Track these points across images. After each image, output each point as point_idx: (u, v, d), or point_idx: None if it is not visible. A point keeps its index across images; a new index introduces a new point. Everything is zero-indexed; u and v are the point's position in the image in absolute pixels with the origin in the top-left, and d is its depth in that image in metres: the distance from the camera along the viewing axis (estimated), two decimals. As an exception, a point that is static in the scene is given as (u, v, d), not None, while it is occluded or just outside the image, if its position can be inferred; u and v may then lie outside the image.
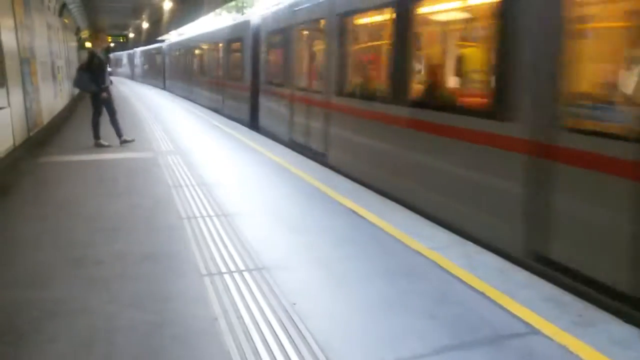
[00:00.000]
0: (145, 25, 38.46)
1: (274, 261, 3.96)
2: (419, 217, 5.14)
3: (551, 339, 2.89)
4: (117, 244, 4.37)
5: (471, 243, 4.42)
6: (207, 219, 4.99)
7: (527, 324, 3.05)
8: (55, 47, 15.59)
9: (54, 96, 14.41)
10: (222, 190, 6.15)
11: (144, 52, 38.99)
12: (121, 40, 45.85)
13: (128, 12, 31.07)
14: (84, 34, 39.26)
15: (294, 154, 8.63)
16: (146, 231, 4.69)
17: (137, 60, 42.73)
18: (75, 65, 26.17)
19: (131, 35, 46.66)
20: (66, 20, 20.16)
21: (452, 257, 4.06)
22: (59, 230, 4.77)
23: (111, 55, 53.85)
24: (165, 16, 30.15)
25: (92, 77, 8.95)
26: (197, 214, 5.15)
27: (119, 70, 55.11)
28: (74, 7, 22.46)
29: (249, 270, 3.77)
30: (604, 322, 3.09)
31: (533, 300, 3.36)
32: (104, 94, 9.09)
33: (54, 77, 14.51)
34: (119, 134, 9.34)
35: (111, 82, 9.57)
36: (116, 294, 3.44)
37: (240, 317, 3.10)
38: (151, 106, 18.18)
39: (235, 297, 3.34)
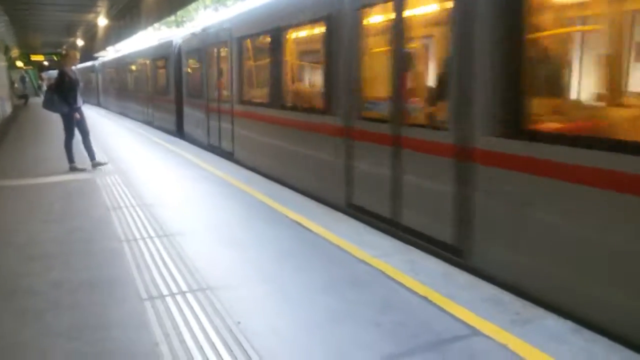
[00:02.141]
0: (80, 42, 37.15)
1: (217, 280, 3.88)
2: (364, 226, 5.19)
3: (492, 339, 2.97)
4: (52, 272, 4.17)
5: (415, 249, 4.50)
6: (148, 241, 4.85)
7: (468, 326, 3.12)
8: (-18, 67, 14.85)
9: (-19, 119, 13.70)
10: (163, 209, 6.00)
11: (121, 62, 22.85)
12: (55, 58, 44.32)
13: (61, 29, 30.04)
14: (14, 52, 37.72)
15: (236, 167, 8.56)
16: (83, 257, 4.50)
17: (104, 76, 27.79)
18: (4, 85, 25.02)
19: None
20: (-7, 39, 19.28)
21: (396, 264, 4.12)
22: (-13, 261, 4.51)
23: (44, 74, 51.45)
24: (101, 33, 29.33)
25: (63, 97, 8.47)
26: (138, 236, 5.00)
27: None
28: (1, 25, 21.53)
29: (192, 291, 3.69)
30: (540, 318, 3.20)
31: (474, 301, 3.44)
32: (77, 115, 8.67)
33: (-19, 99, 13.81)
34: (91, 156, 8.88)
35: (83, 101, 9.06)
36: (51, 325, 3.27)
37: (182, 340, 3.01)
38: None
39: (177, 320, 3.25)
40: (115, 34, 27.44)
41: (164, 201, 6.42)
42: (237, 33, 9.20)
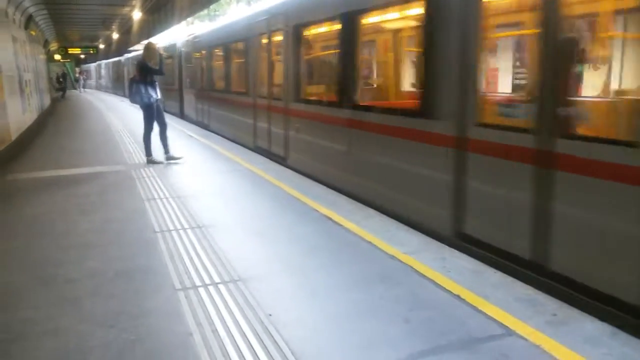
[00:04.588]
0: (115, 36, 37.85)
1: (249, 272, 3.92)
2: (394, 222, 5.16)
3: (526, 339, 2.92)
4: (89, 261, 4.28)
5: (446, 246, 4.46)
6: (181, 232, 4.93)
7: (502, 325, 3.07)
8: (22, 60, 15.28)
9: (22, 111, 14.11)
10: (196, 201, 6.09)
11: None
12: (91, 51, 45.28)
13: (98, 23, 30.59)
14: (53, 46, 38.69)
15: (265, 160, 8.63)
16: (119, 247, 4.61)
17: (197, 66, 15.38)
18: (44, 77, 25.73)
19: (101, 46, 46.04)
20: (33, 33, 19.79)
21: (427, 261, 4.09)
22: (28, 248, 4.66)
23: (94, 65, 51.94)
24: (135, 27, 29.79)
25: (148, 88, 8.48)
26: (171, 227, 5.09)
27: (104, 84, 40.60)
28: (40, 19, 22.09)
29: (224, 283, 3.73)
30: (577, 320, 3.13)
31: (507, 300, 3.39)
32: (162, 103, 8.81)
33: (21, 91, 14.21)
34: (166, 149, 8.82)
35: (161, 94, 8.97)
36: (88, 312, 3.37)
37: (215, 330, 3.06)
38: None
39: (210, 311, 3.30)
40: (149, 27, 27.86)
41: (196, 193, 6.51)
42: None
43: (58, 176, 7.84)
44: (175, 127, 14.05)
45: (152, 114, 8.61)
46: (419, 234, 4.79)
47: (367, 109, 6.35)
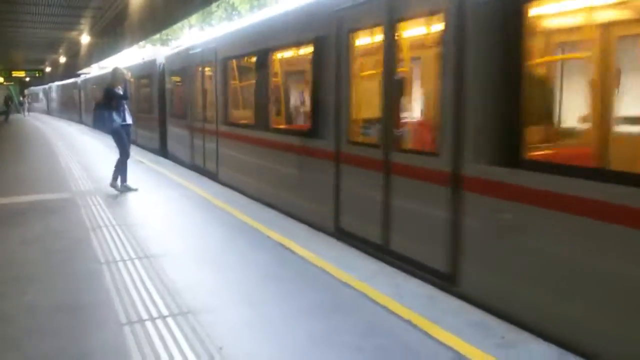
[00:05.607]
0: (63, 59, 36.90)
1: (199, 304, 3.81)
2: (347, 248, 5.16)
3: (476, 364, 2.95)
4: (28, 295, 4.06)
5: (399, 271, 4.48)
6: (128, 263, 4.76)
7: (452, 350, 3.10)
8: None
9: (-40, 136, 13.44)
10: (144, 230, 5.91)
11: None
12: (37, 74, 44.01)
13: (44, 46, 29.83)
14: (-5, 69, 37.32)
15: (219, 186, 8.50)
16: (61, 279, 4.40)
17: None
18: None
19: (48, 69, 44.76)
20: (-26, 56, 19.04)
21: (380, 287, 4.09)
22: (-39, 284, 4.38)
23: (42, 88, 50.18)
24: (83, 50, 29.16)
25: (113, 113, 8.03)
26: (118, 257, 4.90)
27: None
28: (-18, 41, 21.32)
29: (173, 316, 3.61)
30: (525, 342, 3.20)
31: (459, 325, 3.43)
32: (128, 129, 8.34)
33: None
34: (122, 178, 8.34)
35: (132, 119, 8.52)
36: (27, 353, 3.18)
37: (162, 367, 2.95)
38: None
39: (157, 347, 3.18)
40: (99, 51, 27.35)
41: (145, 221, 6.33)
42: None
43: (-3, 205, 7.47)
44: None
45: (121, 138, 8.28)
46: (374, 260, 4.80)
47: None
